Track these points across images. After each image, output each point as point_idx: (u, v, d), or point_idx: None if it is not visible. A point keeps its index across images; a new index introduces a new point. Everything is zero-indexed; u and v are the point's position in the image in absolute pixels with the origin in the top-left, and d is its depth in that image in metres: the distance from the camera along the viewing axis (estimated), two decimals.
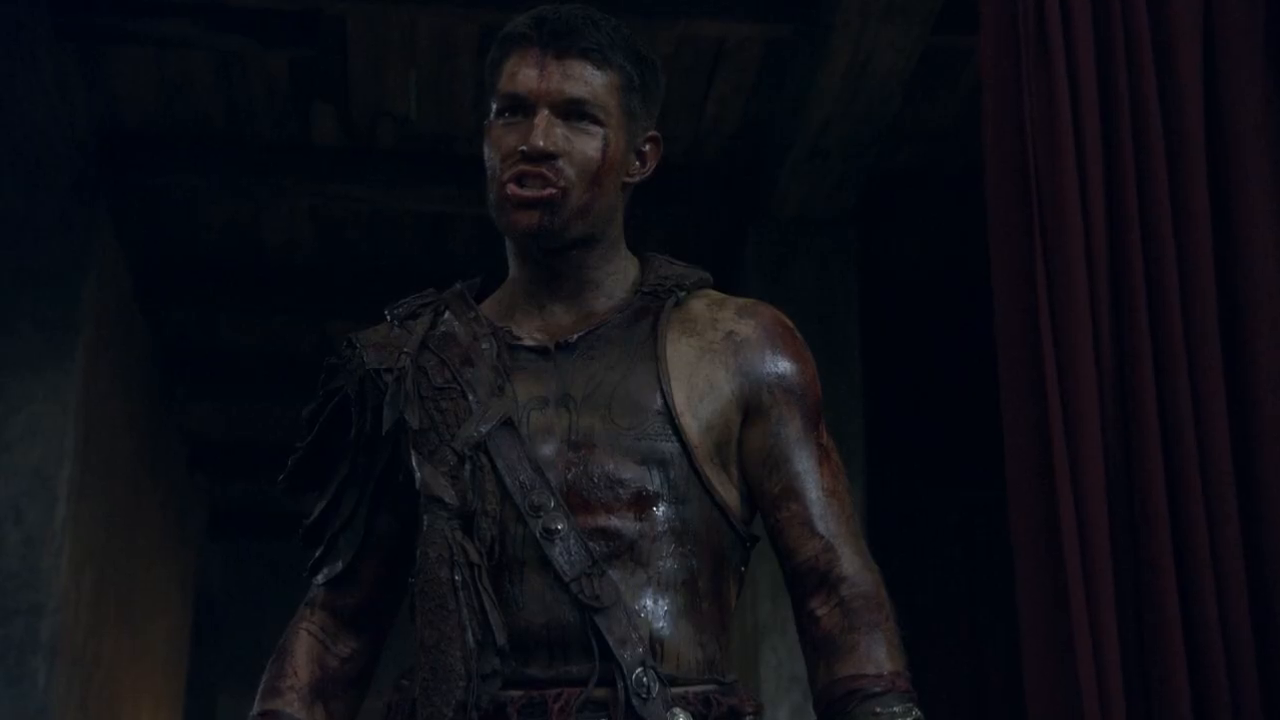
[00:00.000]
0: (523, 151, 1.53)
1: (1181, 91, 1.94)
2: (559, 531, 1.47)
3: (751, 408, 1.56)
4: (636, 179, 1.63)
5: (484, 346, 1.57)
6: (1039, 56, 1.96)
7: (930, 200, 4.37)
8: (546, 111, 1.54)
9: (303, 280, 4.80)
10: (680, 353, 1.56)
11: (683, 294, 1.61)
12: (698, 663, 1.49)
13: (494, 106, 1.59)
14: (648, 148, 1.63)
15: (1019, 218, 1.95)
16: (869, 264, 4.29)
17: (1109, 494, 1.86)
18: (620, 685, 1.44)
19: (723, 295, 1.65)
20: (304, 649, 1.58)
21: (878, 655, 1.49)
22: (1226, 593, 1.82)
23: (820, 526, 1.54)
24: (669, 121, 3.75)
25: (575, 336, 1.56)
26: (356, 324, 1.75)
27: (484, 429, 1.51)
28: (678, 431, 1.52)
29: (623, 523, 1.49)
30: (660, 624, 1.48)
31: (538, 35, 1.56)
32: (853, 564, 1.53)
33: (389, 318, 1.64)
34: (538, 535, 1.47)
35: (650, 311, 1.59)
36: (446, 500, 1.49)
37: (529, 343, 1.57)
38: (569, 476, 1.50)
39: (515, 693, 1.45)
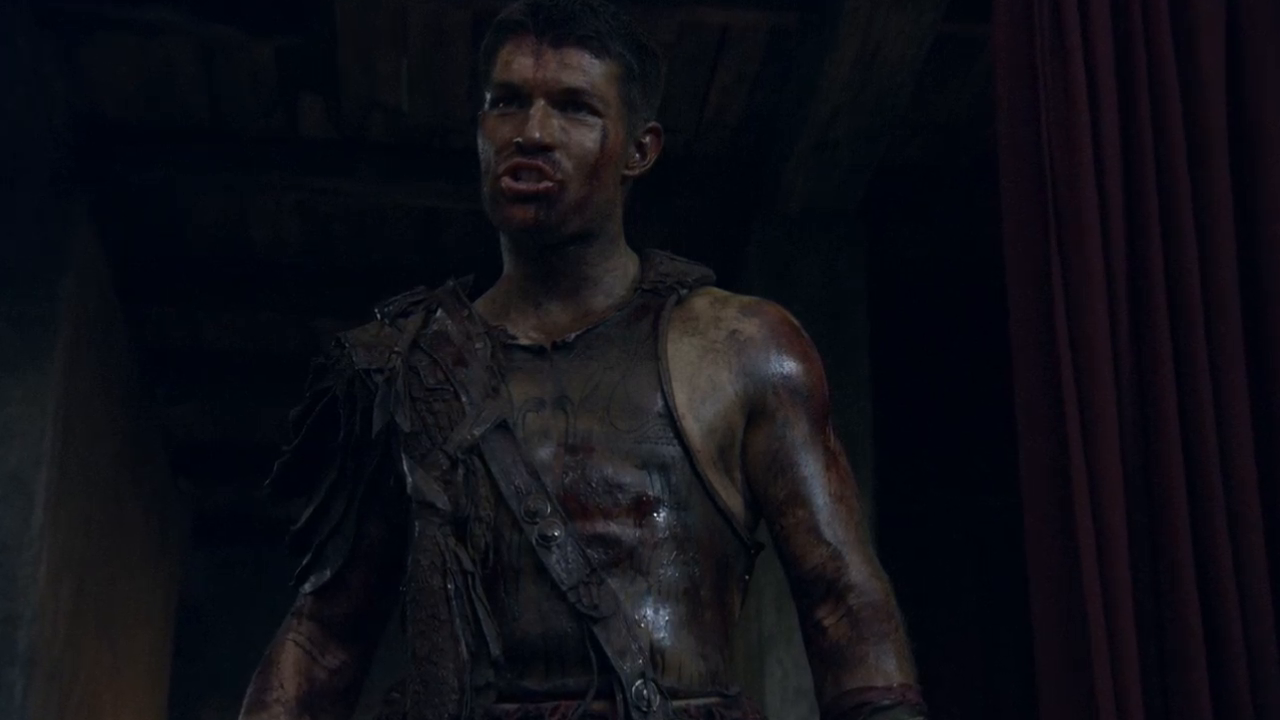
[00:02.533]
0: (518, 144, 1.51)
1: (1203, 81, 1.94)
2: (556, 538, 1.45)
3: (756, 410, 1.54)
4: (636, 172, 1.61)
5: (478, 346, 1.54)
6: (1054, 45, 1.95)
7: (941, 194, 4.35)
8: (543, 102, 1.52)
9: (290, 277, 4.79)
10: (682, 352, 1.54)
11: (684, 292, 1.59)
12: (700, 674, 1.47)
13: (488, 97, 1.57)
14: (648, 140, 1.61)
15: (1034, 212, 1.95)
16: (878, 260, 4.26)
17: (1127, 500, 1.86)
18: (619, 698, 1.41)
19: (726, 293, 1.62)
20: (291, 660, 1.56)
21: (887, 666, 1.47)
22: (1250, 604, 1.82)
23: (827, 533, 1.51)
24: (670, 112, 3.72)
25: (573, 336, 1.54)
26: (345, 323, 1.74)
27: (478, 431, 1.48)
28: (679, 434, 1.49)
29: (622, 529, 1.46)
30: (661, 634, 1.45)
31: (534, 22, 1.54)
32: (861, 572, 1.51)
33: (379, 316, 1.62)
34: (534, 542, 1.45)
35: (650, 310, 1.56)
36: (439, 506, 1.47)
37: (525, 342, 1.55)
38: (566, 481, 1.47)
39: (510, 706, 1.43)
